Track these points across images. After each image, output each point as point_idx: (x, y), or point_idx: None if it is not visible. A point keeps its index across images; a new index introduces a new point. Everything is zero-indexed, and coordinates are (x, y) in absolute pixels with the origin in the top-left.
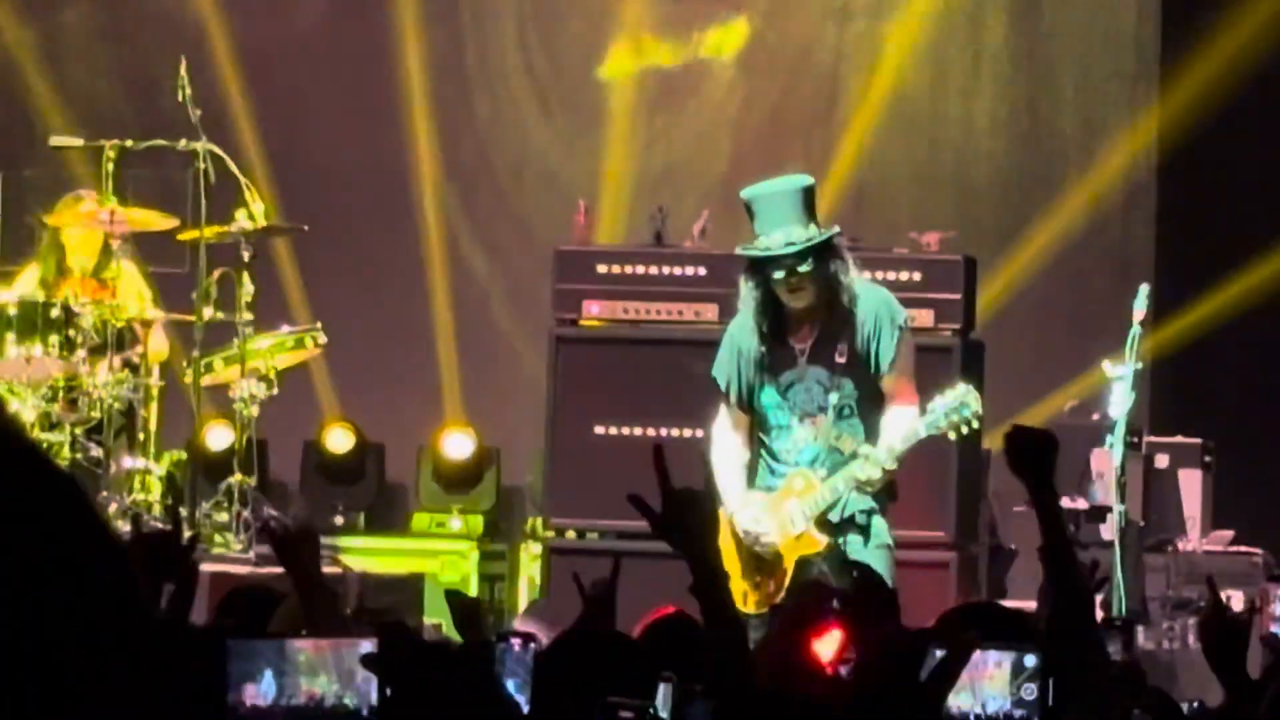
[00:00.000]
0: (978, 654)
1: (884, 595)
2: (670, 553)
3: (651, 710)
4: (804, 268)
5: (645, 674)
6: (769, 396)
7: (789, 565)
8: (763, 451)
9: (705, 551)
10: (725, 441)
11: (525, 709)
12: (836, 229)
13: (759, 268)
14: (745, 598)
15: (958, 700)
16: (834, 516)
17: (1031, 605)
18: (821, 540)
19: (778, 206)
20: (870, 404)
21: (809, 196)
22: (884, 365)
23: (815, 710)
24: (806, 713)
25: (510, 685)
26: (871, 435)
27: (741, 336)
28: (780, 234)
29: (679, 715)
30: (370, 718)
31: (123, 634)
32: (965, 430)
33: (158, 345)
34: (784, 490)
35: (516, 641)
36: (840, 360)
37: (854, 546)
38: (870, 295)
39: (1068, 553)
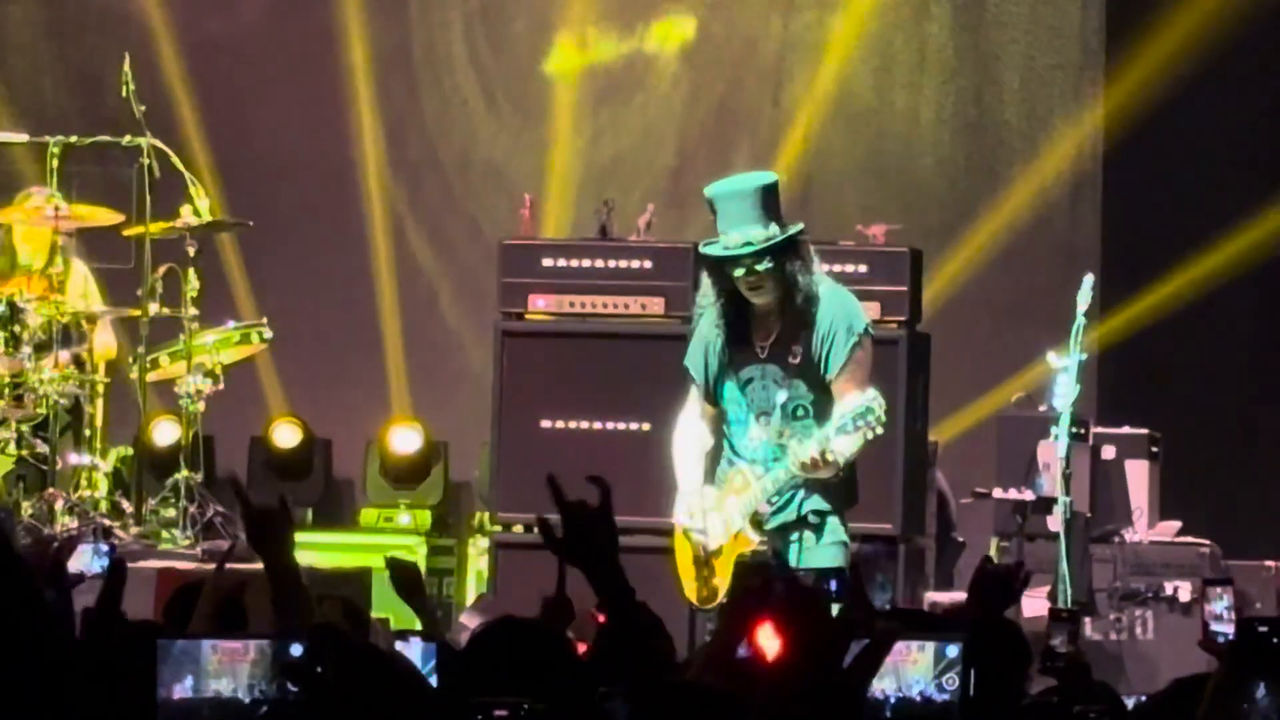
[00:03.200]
0: (901, 643)
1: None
2: (627, 547)
3: (525, 709)
4: (762, 266)
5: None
6: (730, 391)
7: (729, 562)
8: (725, 444)
9: (605, 566)
10: (688, 431)
11: None
12: (797, 228)
13: (720, 265)
14: (696, 592)
15: (882, 684)
16: (787, 516)
17: None
18: (755, 539)
19: (738, 205)
20: (825, 406)
21: (770, 195)
22: (833, 368)
23: (735, 702)
24: (726, 705)
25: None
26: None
27: (709, 330)
28: (739, 233)
29: (601, 715)
30: (267, 716)
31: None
32: (871, 435)
33: (105, 342)
34: (725, 488)
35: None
36: (794, 361)
37: (806, 544)
38: (831, 299)
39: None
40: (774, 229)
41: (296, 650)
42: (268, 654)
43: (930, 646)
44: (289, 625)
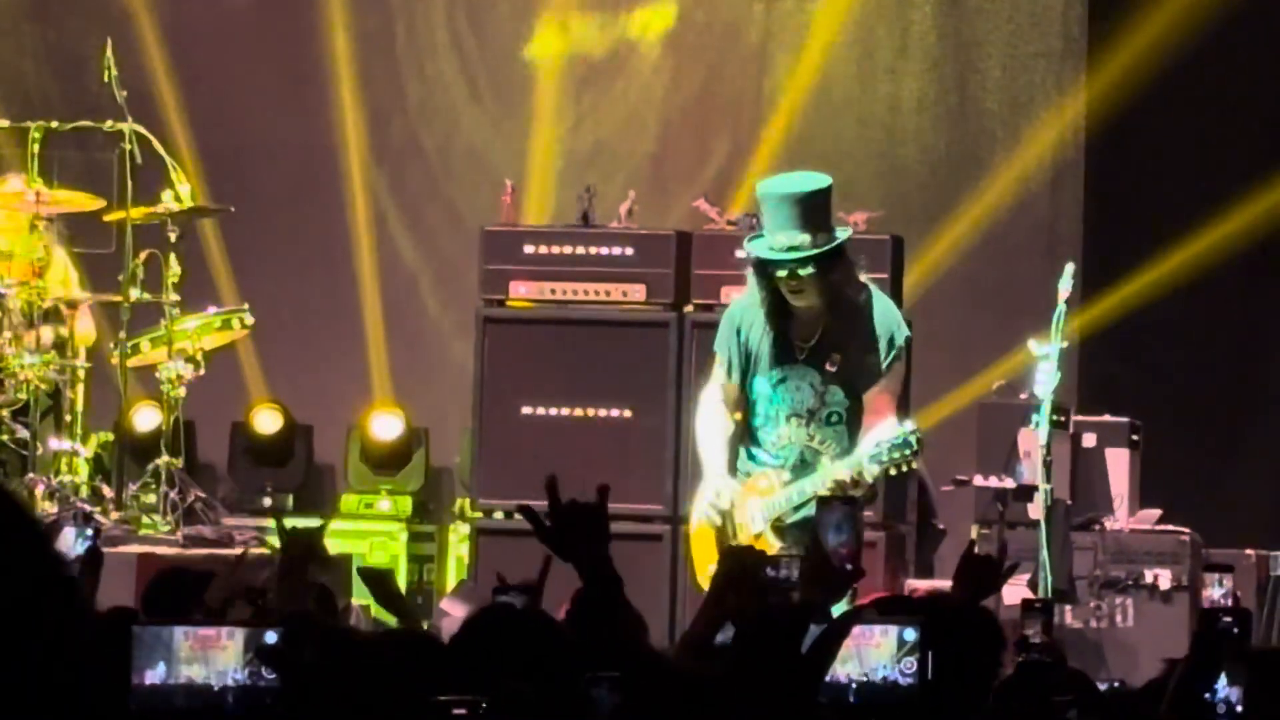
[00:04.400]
0: (861, 626)
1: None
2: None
3: (483, 707)
4: (804, 271)
5: (563, 652)
6: (761, 386)
7: None
8: (747, 437)
9: (594, 561)
10: (713, 415)
11: None
12: (844, 236)
13: (763, 265)
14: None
15: (845, 669)
16: (809, 512)
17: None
18: (775, 545)
19: (785, 209)
20: (858, 414)
21: (821, 200)
22: (870, 381)
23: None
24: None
25: None
26: (855, 445)
27: (743, 317)
28: (784, 236)
29: (586, 701)
30: (236, 702)
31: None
32: (904, 469)
33: (85, 328)
34: (750, 486)
35: None
36: (831, 368)
37: None
38: (876, 308)
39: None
40: (821, 237)
41: (271, 638)
42: (241, 641)
43: (891, 630)
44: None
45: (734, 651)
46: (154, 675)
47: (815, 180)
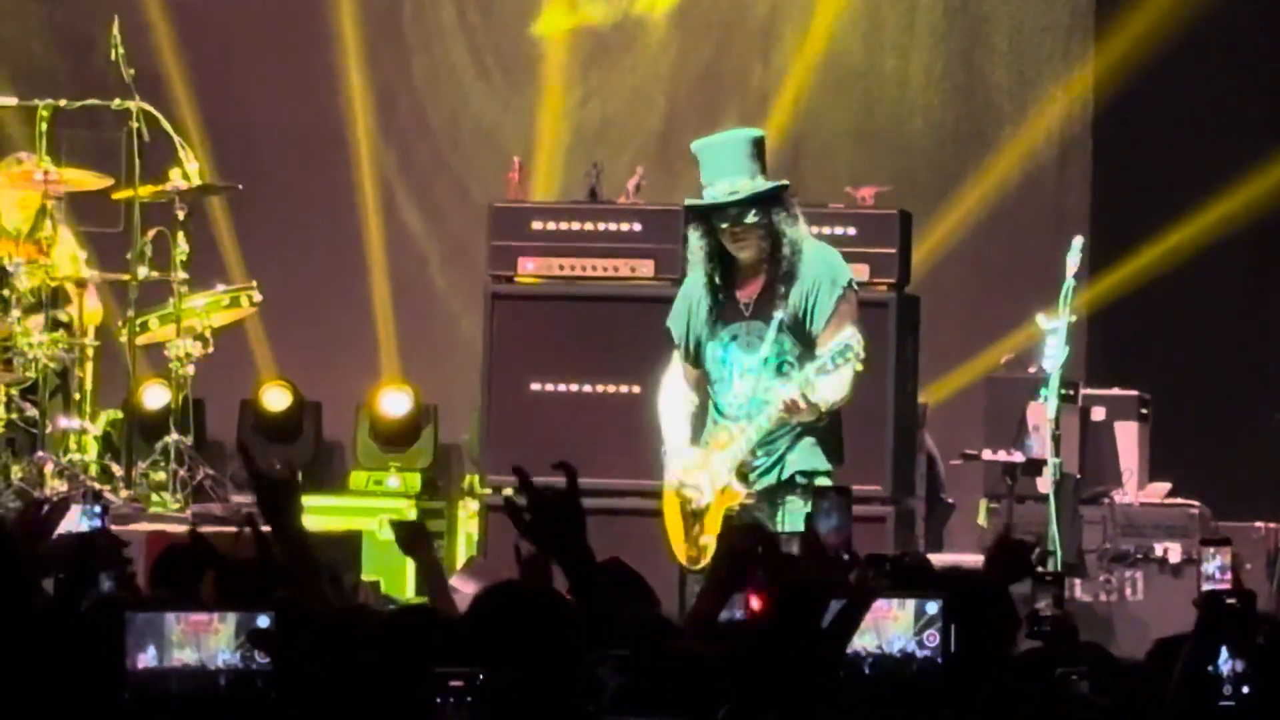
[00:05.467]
0: (881, 600)
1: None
2: (618, 509)
3: (480, 679)
4: (749, 218)
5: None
6: (713, 350)
7: (718, 520)
8: (710, 404)
9: (571, 549)
10: (673, 392)
11: None
12: (784, 182)
13: (706, 217)
14: (685, 553)
15: (862, 641)
16: (772, 479)
17: (967, 558)
18: (741, 491)
19: (723, 156)
20: (811, 360)
21: (757, 148)
22: (817, 323)
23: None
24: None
25: None
26: None
27: (694, 290)
28: (725, 183)
29: (591, 679)
30: (226, 684)
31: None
32: (853, 371)
33: (93, 306)
34: (711, 444)
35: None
36: (778, 316)
37: (793, 507)
38: (815, 254)
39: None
40: (760, 181)
41: (264, 622)
42: (233, 625)
43: (910, 604)
44: (299, 595)
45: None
46: (146, 659)
47: (748, 130)
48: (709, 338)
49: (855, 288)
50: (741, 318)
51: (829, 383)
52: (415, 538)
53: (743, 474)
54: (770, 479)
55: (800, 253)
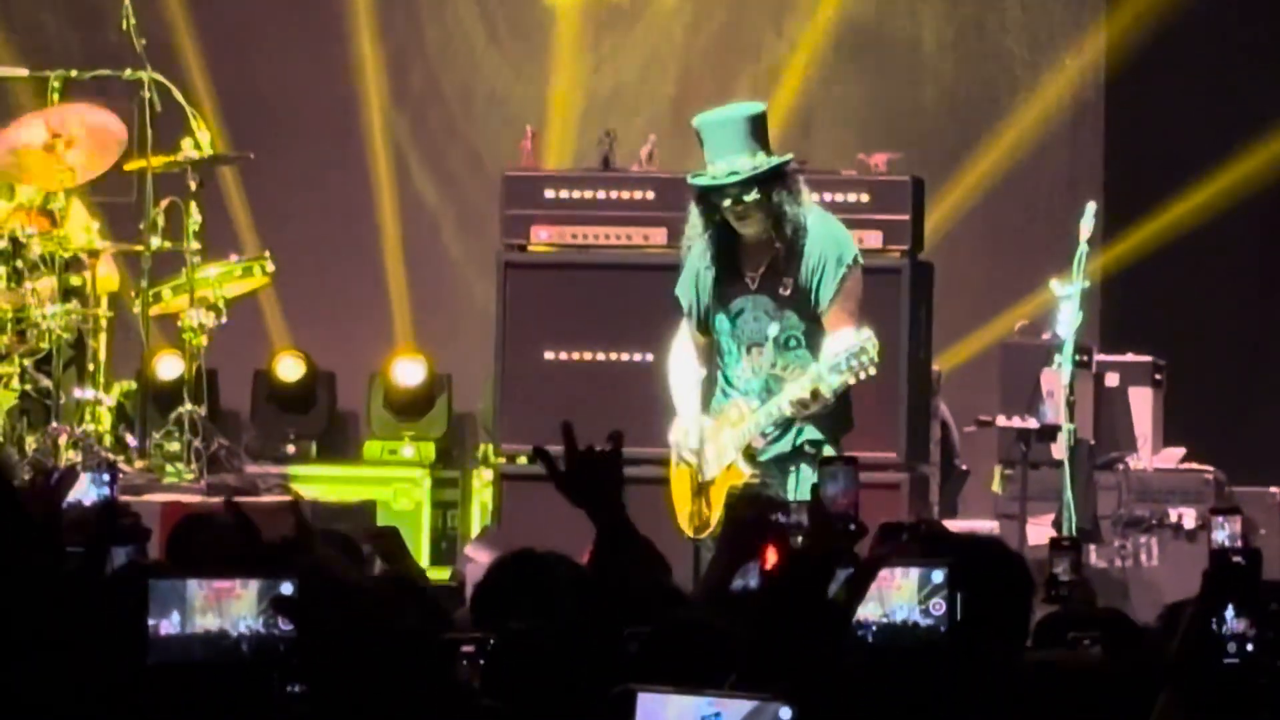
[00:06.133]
0: (884, 569)
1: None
2: (632, 477)
3: (491, 644)
4: (749, 196)
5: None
6: (721, 323)
7: (721, 494)
8: (719, 376)
9: (608, 510)
10: (682, 360)
11: None
12: (785, 158)
13: (707, 195)
14: (689, 522)
15: (865, 610)
16: (783, 448)
17: (982, 524)
18: (747, 471)
19: (724, 134)
20: (817, 336)
21: (758, 124)
22: (823, 300)
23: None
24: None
25: None
26: None
27: (700, 260)
28: (725, 163)
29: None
30: (249, 650)
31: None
32: (864, 376)
33: (105, 276)
34: (721, 420)
35: None
36: (784, 292)
37: (803, 475)
38: (821, 228)
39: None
40: (761, 158)
41: (288, 589)
42: (255, 591)
43: (914, 572)
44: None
45: (760, 595)
46: (169, 626)
47: (749, 106)
48: (716, 311)
49: (860, 262)
50: (748, 291)
51: (838, 381)
52: (389, 546)
53: (750, 454)
54: (779, 448)
55: (803, 229)
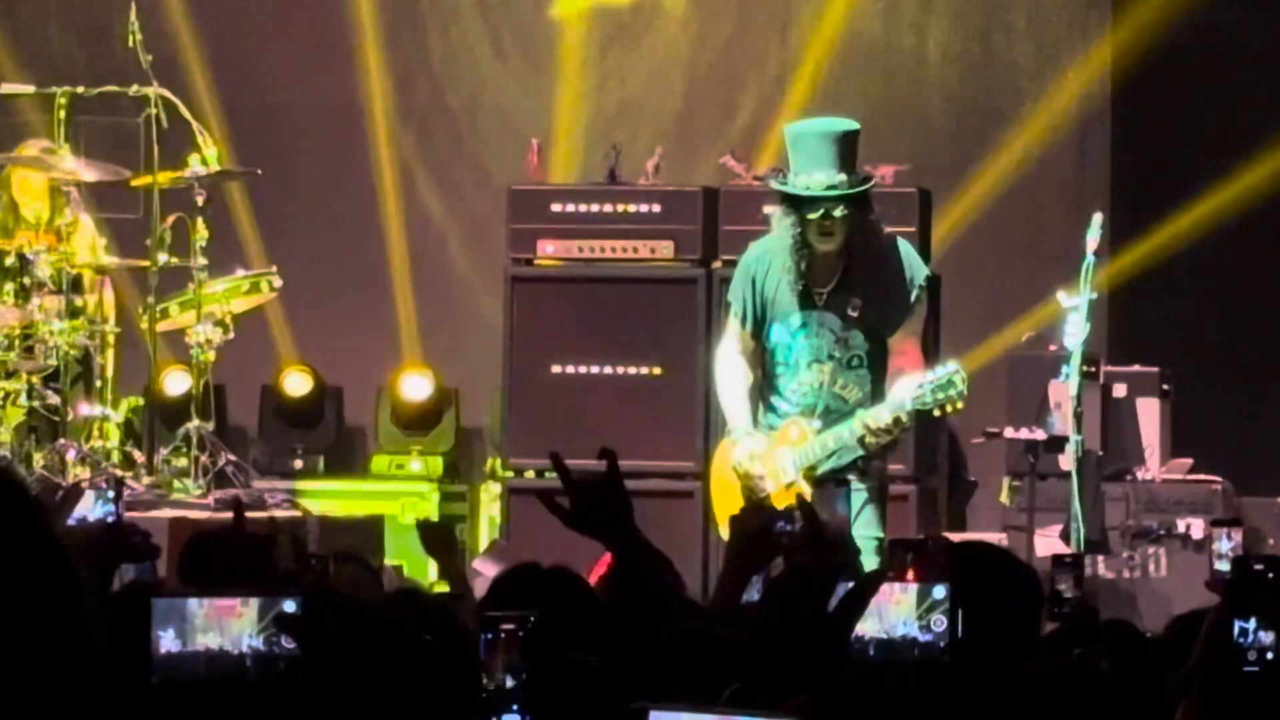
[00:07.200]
0: (884, 584)
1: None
2: (640, 491)
3: (532, 620)
4: (838, 212)
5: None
6: (780, 334)
7: None
8: (766, 387)
9: (622, 539)
10: (731, 366)
11: None
12: (878, 179)
13: (795, 205)
14: None
15: (864, 626)
16: (840, 461)
17: (989, 537)
18: (809, 493)
19: (821, 147)
20: (882, 358)
21: (853, 142)
22: (894, 322)
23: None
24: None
25: None
26: (879, 389)
27: (758, 265)
28: (822, 175)
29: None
30: (252, 668)
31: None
32: (950, 409)
33: (109, 295)
34: (779, 436)
35: None
36: (852, 312)
37: (856, 489)
38: (896, 251)
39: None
40: (854, 177)
41: (290, 606)
42: (256, 609)
43: (913, 588)
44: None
45: (760, 609)
46: (168, 643)
47: (847, 123)
48: (778, 319)
49: (930, 287)
50: (814, 307)
51: (925, 411)
52: (441, 540)
53: (811, 476)
54: (835, 462)
55: (879, 252)
